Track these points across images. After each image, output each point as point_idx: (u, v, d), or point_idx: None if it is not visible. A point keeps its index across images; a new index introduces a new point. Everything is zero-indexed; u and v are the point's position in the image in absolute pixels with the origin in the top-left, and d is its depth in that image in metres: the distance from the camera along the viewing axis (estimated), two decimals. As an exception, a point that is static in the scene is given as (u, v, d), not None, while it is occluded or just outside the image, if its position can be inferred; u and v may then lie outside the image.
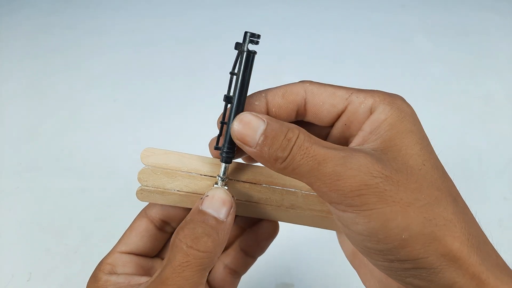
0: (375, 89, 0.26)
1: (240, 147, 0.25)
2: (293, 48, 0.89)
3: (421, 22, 0.95)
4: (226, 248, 0.33)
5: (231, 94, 0.26)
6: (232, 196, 0.27)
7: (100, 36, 0.92)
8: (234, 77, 0.26)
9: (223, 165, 0.27)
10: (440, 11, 0.99)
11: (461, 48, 0.88)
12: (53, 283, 0.52)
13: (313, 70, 0.83)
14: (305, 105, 0.27)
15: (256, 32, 0.26)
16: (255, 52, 0.26)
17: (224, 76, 0.28)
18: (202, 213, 0.25)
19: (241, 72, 0.26)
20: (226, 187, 0.27)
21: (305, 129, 0.24)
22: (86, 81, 0.81)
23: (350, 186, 0.22)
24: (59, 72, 0.83)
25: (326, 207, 0.29)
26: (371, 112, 0.25)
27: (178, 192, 0.29)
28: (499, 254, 0.23)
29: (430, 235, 0.21)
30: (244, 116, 0.24)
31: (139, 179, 0.28)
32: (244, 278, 0.34)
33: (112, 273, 0.28)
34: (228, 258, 0.33)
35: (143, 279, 0.28)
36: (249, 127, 0.24)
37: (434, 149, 0.25)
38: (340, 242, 0.32)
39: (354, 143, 0.26)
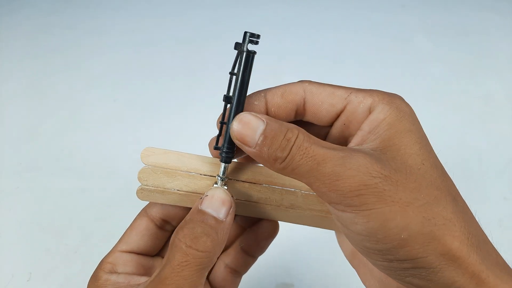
0: (374, 89, 0.26)
1: (240, 147, 0.25)
2: (293, 48, 0.89)
3: (421, 22, 0.95)
4: (226, 248, 0.33)
5: (231, 94, 0.26)
6: (232, 196, 0.27)
7: (100, 36, 0.92)
8: (234, 77, 0.26)
9: (222, 164, 0.27)
10: (440, 11, 0.99)
11: (461, 48, 0.88)
12: (53, 283, 0.52)
13: (313, 70, 0.83)
14: (304, 104, 0.27)
15: (256, 32, 0.26)
16: (254, 52, 0.26)
17: (224, 76, 0.28)
18: (202, 212, 0.25)
19: (240, 72, 0.26)
20: (226, 187, 0.27)
21: (304, 129, 0.24)
22: (86, 81, 0.81)
23: (349, 186, 0.22)
24: (59, 72, 0.83)
25: (326, 207, 0.29)
26: (370, 111, 0.25)
27: (178, 191, 0.29)
28: (499, 253, 0.23)
29: (429, 235, 0.21)
30: (244, 116, 0.24)
31: (139, 179, 0.28)
32: (244, 278, 0.34)
33: (113, 272, 0.28)
34: (229, 258, 0.33)
35: (143, 279, 0.28)
36: (248, 127, 0.24)
37: (434, 149, 0.25)
38: (339, 242, 0.33)
39: (353, 143, 0.26)
